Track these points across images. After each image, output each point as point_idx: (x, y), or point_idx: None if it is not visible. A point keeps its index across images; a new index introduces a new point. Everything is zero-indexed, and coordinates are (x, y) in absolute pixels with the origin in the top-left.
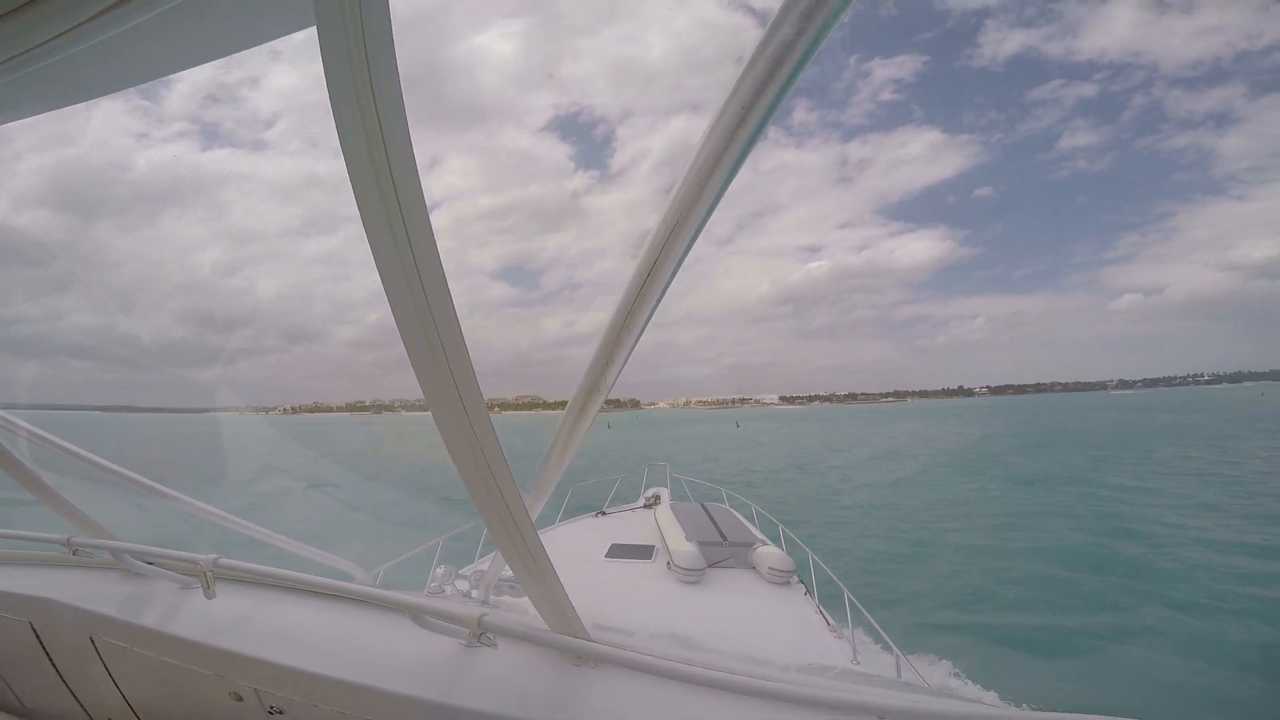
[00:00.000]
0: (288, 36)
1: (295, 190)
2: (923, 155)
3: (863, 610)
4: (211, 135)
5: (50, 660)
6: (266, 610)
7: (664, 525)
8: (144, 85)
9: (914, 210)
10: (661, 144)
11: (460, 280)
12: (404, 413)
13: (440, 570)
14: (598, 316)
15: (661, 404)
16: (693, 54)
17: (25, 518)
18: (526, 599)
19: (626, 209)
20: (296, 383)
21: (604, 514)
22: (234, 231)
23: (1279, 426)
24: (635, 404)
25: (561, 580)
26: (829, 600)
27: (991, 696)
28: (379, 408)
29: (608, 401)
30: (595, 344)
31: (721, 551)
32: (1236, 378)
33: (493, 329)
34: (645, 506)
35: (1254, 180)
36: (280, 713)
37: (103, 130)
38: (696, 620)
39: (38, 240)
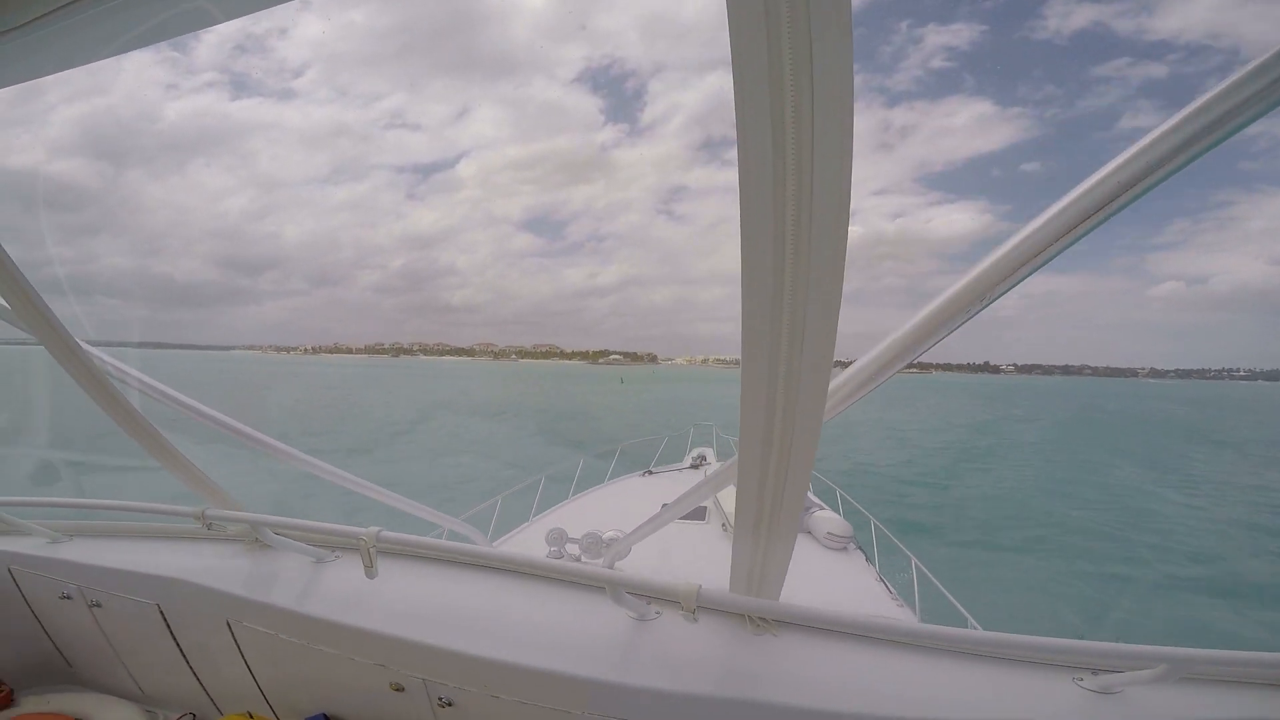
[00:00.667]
0: None
1: (324, 139)
2: (970, 126)
3: (931, 577)
4: (240, 85)
5: (177, 645)
6: (427, 588)
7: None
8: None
9: (955, 181)
10: (694, 99)
11: (486, 229)
12: (422, 356)
13: (553, 532)
14: (620, 269)
15: (680, 360)
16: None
17: (132, 483)
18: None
19: (655, 163)
20: (321, 324)
21: (650, 473)
22: (262, 179)
23: None
24: (653, 358)
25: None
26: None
27: None
28: (398, 350)
29: (623, 354)
30: (618, 296)
31: None
32: (1272, 375)
33: (515, 278)
34: (692, 467)
35: None
36: (450, 704)
37: (133, 81)
38: None
39: (72, 186)
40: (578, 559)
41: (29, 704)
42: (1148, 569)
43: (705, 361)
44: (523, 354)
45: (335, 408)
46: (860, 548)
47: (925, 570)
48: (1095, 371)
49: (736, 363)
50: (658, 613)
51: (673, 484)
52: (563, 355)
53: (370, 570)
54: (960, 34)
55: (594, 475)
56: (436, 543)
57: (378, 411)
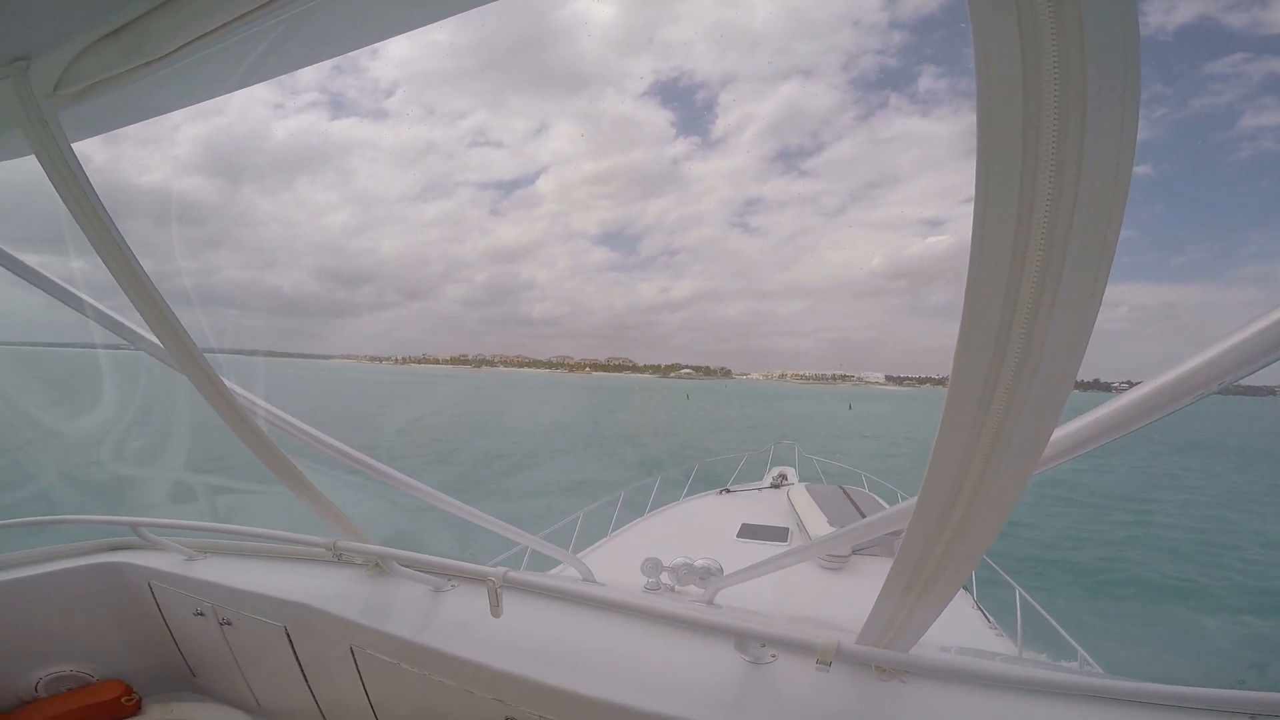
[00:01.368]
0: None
1: (414, 157)
2: None
3: (1038, 607)
4: (338, 105)
5: (299, 664)
6: (542, 623)
7: (800, 507)
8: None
9: None
10: (768, 110)
11: (564, 243)
12: (502, 368)
13: (648, 562)
14: (692, 283)
15: (754, 375)
16: (802, 18)
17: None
18: (719, 590)
19: (727, 176)
20: (413, 336)
21: (728, 491)
22: (360, 196)
23: None
24: (726, 373)
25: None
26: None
27: None
28: (480, 362)
29: (695, 368)
30: (690, 311)
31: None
32: None
33: (591, 292)
34: (772, 486)
35: None
36: None
37: (245, 101)
38: (842, 608)
39: (195, 203)
40: (672, 588)
41: (154, 711)
42: None
43: (782, 376)
44: (596, 367)
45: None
46: None
47: (1031, 600)
48: (1223, 389)
49: (815, 378)
50: (773, 656)
51: (751, 503)
52: (634, 369)
53: (496, 610)
54: None
55: (670, 492)
56: (560, 584)
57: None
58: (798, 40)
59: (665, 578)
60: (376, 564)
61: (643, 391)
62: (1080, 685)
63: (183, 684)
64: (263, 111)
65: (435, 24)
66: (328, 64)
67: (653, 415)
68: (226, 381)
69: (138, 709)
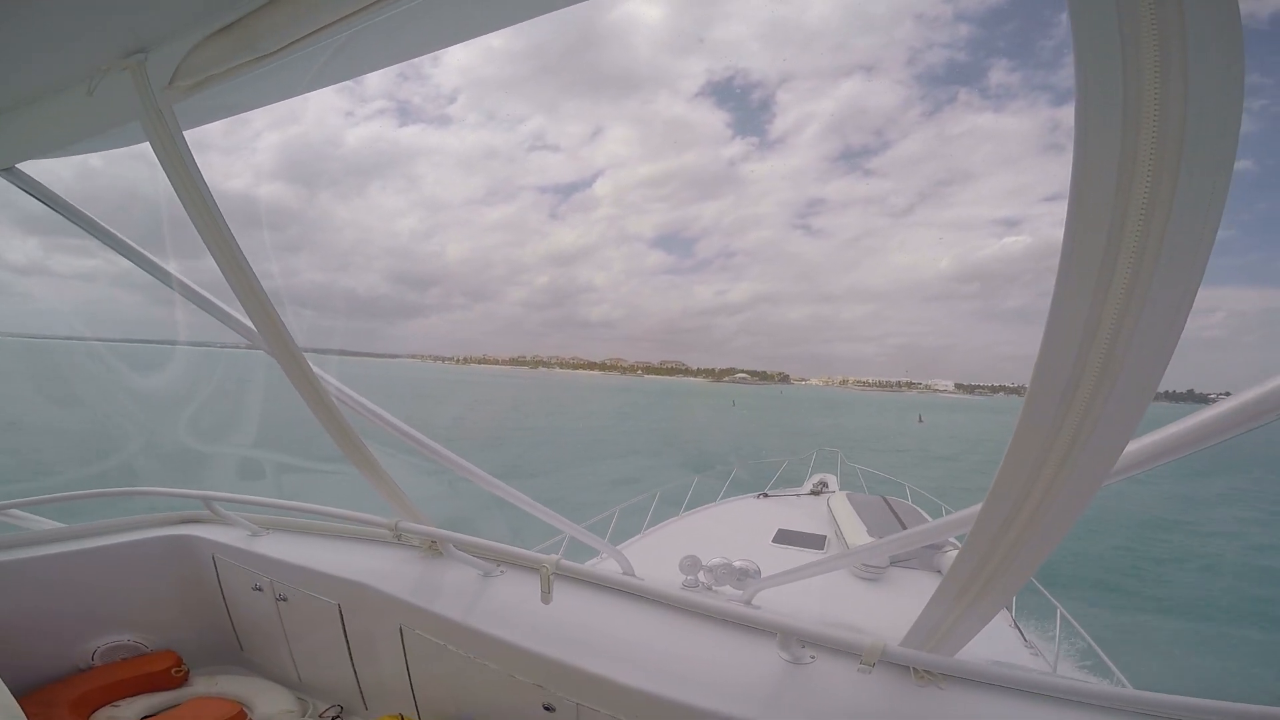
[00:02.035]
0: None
1: (477, 162)
2: None
3: (1074, 623)
4: (405, 112)
5: (346, 641)
6: (586, 612)
7: (840, 515)
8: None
9: None
10: (829, 108)
11: (620, 246)
12: (558, 369)
13: (686, 561)
14: (750, 286)
15: (814, 380)
16: (859, 12)
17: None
18: (757, 591)
19: (787, 176)
20: (476, 336)
21: (766, 495)
22: (428, 201)
23: None
24: (784, 378)
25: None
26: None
27: None
28: (536, 363)
29: (751, 373)
30: (748, 315)
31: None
32: None
33: (647, 294)
34: (812, 493)
35: None
36: None
37: (318, 109)
38: (876, 619)
39: (277, 208)
40: (709, 587)
41: (200, 684)
42: None
43: (844, 382)
44: (648, 370)
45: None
46: None
47: (1069, 617)
48: None
49: (879, 385)
50: (812, 657)
51: (789, 509)
52: (687, 372)
53: (547, 596)
54: None
55: (709, 493)
56: (608, 575)
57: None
58: (856, 35)
59: (703, 576)
60: (432, 545)
61: (687, 396)
62: (1116, 697)
63: (231, 657)
64: (335, 119)
65: (492, 31)
66: (393, 72)
67: (680, 426)
68: (313, 367)
69: (185, 680)
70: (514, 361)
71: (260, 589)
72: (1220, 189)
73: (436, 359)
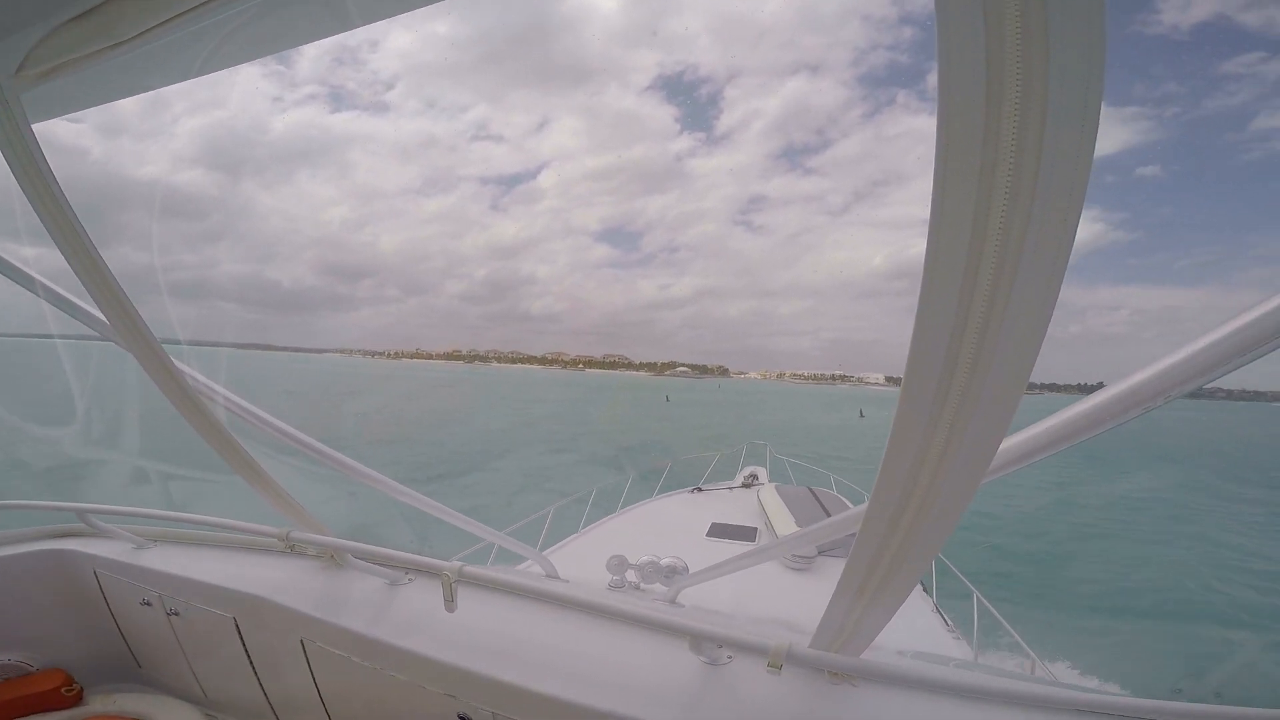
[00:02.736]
0: None
1: (414, 150)
2: None
3: (992, 610)
4: (338, 98)
5: (248, 656)
6: (498, 619)
7: (769, 507)
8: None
9: None
10: (775, 106)
11: (565, 239)
12: (495, 364)
13: (613, 560)
14: (693, 281)
15: (753, 374)
16: (810, 11)
17: (213, 493)
18: (683, 590)
19: (732, 172)
20: (413, 331)
21: (699, 490)
22: (360, 189)
23: None
24: (723, 371)
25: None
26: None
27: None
28: (473, 357)
29: (692, 367)
30: (691, 309)
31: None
32: None
33: (592, 288)
34: (743, 486)
35: None
36: None
37: (245, 94)
38: (805, 609)
39: (195, 196)
40: (637, 586)
41: (96, 702)
42: None
43: (781, 375)
44: (590, 364)
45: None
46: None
47: (986, 603)
48: (1229, 394)
49: (814, 377)
50: (729, 657)
51: (722, 502)
52: (630, 366)
53: (450, 605)
54: None
55: (643, 490)
56: (517, 579)
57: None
58: (805, 33)
59: (630, 575)
60: (331, 556)
61: (622, 390)
62: (1029, 695)
63: (128, 675)
64: (261, 104)
65: (436, 17)
66: (328, 56)
67: (612, 424)
68: (179, 364)
69: (79, 699)
70: (449, 356)
71: (149, 604)
72: (1079, 184)
73: (366, 353)
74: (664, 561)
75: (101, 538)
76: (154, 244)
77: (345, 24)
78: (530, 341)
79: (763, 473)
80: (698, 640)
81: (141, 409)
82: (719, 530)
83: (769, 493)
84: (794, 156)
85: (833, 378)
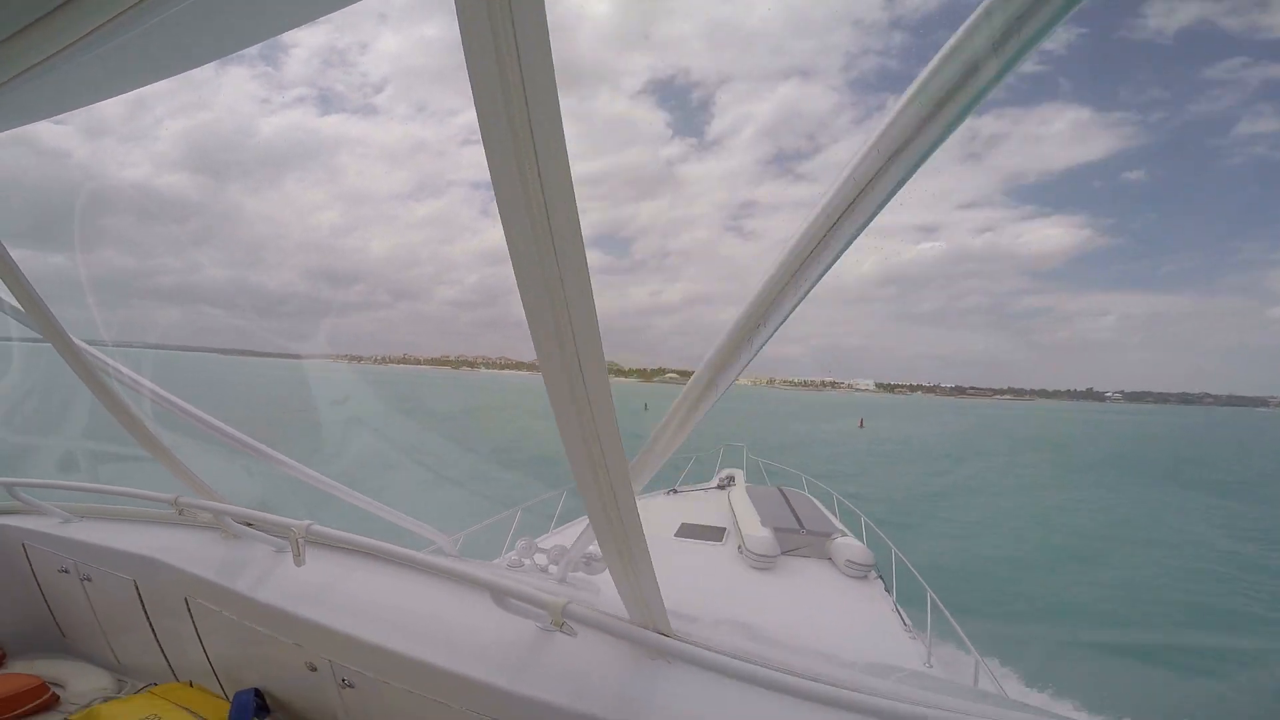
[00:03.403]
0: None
1: (404, 155)
2: (1067, 134)
3: (944, 610)
4: (326, 100)
5: (148, 618)
6: (350, 580)
7: (738, 508)
8: (268, 52)
9: (1050, 193)
10: (766, 110)
11: None
12: (483, 369)
13: (521, 542)
14: (685, 287)
15: (743, 380)
16: (800, 16)
17: (142, 471)
18: (600, 578)
19: (723, 178)
20: (404, 337)
21: (675, 491)
22: (350, 194)
23: None
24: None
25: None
26: (912, 601)
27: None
28: (460, 363)
29: (681, 373)
30: (682, 315)
31: (797, 539)
32: None
33: None
34: (719, 487)
35: None
36: (351, 686)
37: (231, 96)
38: (766, 609)
39: (178, 200)
40: (545, 569)
41: (17, 668)
42: None
43: (771, 382)
44: None
45: None
46: (881, 576)
47: (939, 603)
48: (1216, 400)
49: (804, 384)
50: (567, 628)
51: (696, 503)
52: (620, 372)
53: (299, 559)
54: (1057, 36)
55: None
56: (364, 541)
57: None
58: (795, 39)
59: (538, 558)
60: (223, 526)
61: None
62: (809, 691)
63: (53, 644)
64: (249, 106)
65: (425, 19)
66: (317, 59)
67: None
68: (76, 340)
69: (1, 665)
70: (436, 361)
71: (66, 571)
72: (567, 193)
73: (352, 359)
74: (566, 545)
75: (32, 513)
76: (136, 249)
77: (314, 9)
78: (521, 349)
79: (740, 474)
80: (499, 597)
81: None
82: (687, 530)
83: (739, 493)
84: (784, 162)
85: (822, 384)
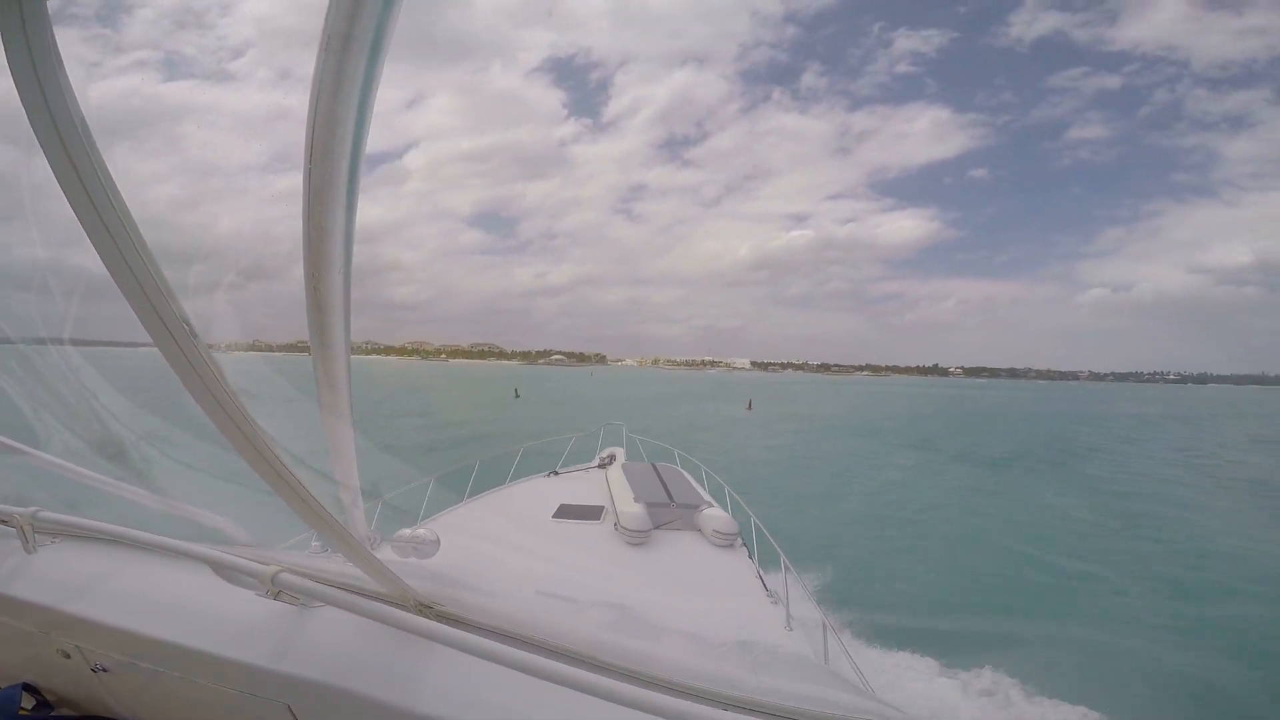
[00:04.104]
0: None
1: (261, 124)
2: (928, 132)
3: (797, 575)
4: (172, 64)
5: None
6: (92, 566)
7: (614, 485)
8: (106, 12)
9: (908, 188)
10: (662, 95)
11: (433, 224)
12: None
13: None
14: (571, 269)
15: (629, 360)
16: (703, 2)
17: None
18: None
19: (616, 160)
20: (257, 320)
21: (556, 474)
22: (193, 165)
23: None
24: (601, 359)
25: (506, 542)
26: (772, 563)
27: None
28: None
29: (568, 354)
30: (568, 296)
31: (668, 513)
32: (1202, 379)
33: (462, 275)
34: (599, 467)
35: (1250, 186)
36: (105, 670)
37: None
38: (639, 583)
39: None
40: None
41: None
42: None
43: (655, 362)
44: (455, 353)
45: None
46: (745, 544)
47: (792, 568)
48: (1040, 374)
49: (686, 363)
50: (320, 604)
51: (576, 484)
52: (501, 355)
53: (29, 546)
54: (931, 40)
55: (497, 478)
56: (99, 525)
57: None
58: (696, 23)
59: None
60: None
61: (467, 384)
62: (579, 682)
63: None
64: (74, 71)
65: None
66: (167, 19)
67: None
68: None
69: None
70: (291, 348)
71: None
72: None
73: None
74: (420, 531)
75: None
76: None
77: None
78: (390, 331)
79: (621, 453)
80: (219, 567)
81: None
82: (566, 511)
83: (615, 471)
84: (674, 146)
85: (704, 363)
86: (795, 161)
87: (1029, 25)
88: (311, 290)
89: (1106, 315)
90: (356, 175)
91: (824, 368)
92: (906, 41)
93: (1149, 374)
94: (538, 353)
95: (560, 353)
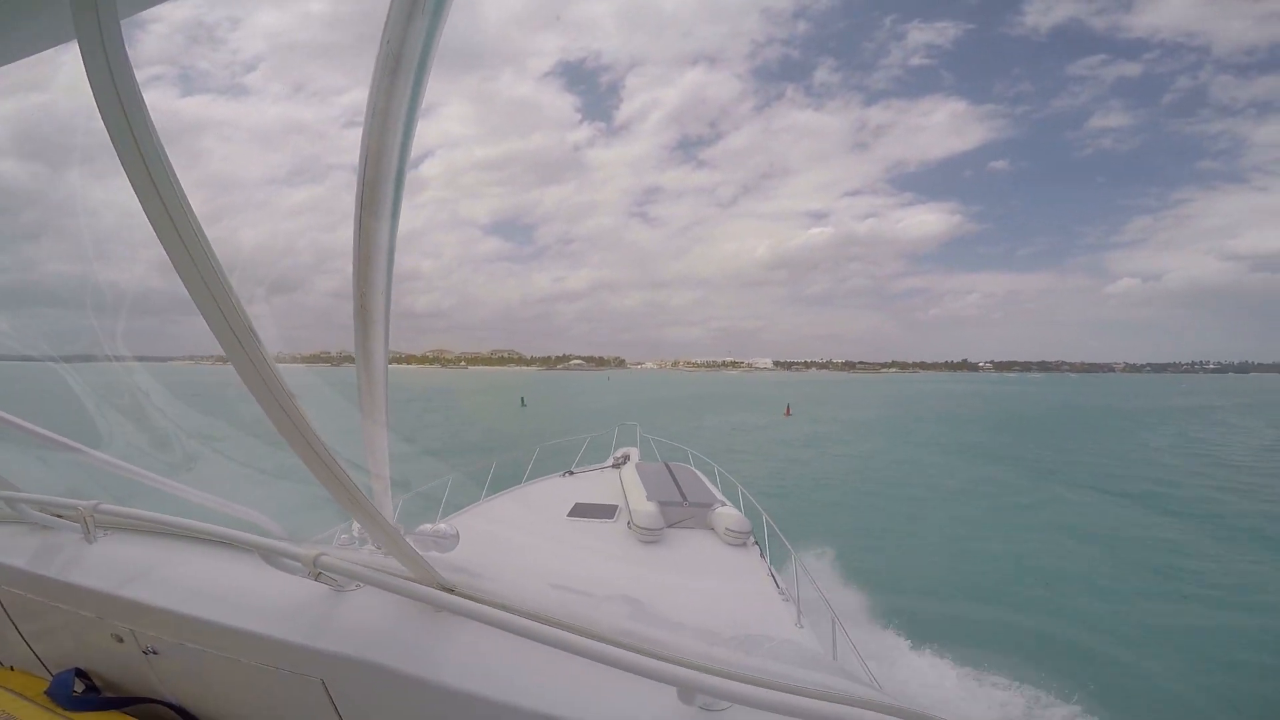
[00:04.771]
0: None
1: (278, 137)
2: (946, 125)
3: (809, 573)
4: (188, 80)
5: None
6: (146, 554)
7: (627, 485)
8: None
9: (928, 182)
10: (674, 96)
11: (451, 232)
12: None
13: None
14: (589, 273)
15: (648, 364)
16: (712, 2)
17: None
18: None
19: (630, 163)
20: (282, 332)
21: (571, 474)
22: (214, 179)
23: None
24: (620, 363)
25: (523, 540)
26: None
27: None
28: (340, 360)
29: (588, 359)
30: (586, 301)
31: (681, 511)
32: (1244, 368)
33: (482, 282)
34: (614, 466)
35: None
36: (155, 653)
37: (72, 76)
38: (651, 581)
39: (7, 189)
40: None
41: None
42: None
43: (675, 364)
44: (475, 360)
45: None
46: (758, 542)
47: (804, 566)
48: (1073, 367)
49: (706, 365)
50: (357, 586)
51: (591, 483)
52: (521, 361)
53: (89, 536)
54: (945, 31)
55: (513, 477)
56: (155, 516)
57: None
58: (707, 23)
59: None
60: (31, 521)
61: (481, 394)
62: (588, 650)
63: None
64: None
65: None
66: (180, 34)
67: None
68: None
69: None
70: (314, 359)
71: None
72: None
73: (218, 360)
74: (441, 527)
75: None
76: None
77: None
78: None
79: (635, 453)
80: (267, 554)
81: None
82: (581, 510)
83: (629, 470)
84: (688, 148)
85: (724, 364)
86: (812, 158)
87: (1044, 14)
88: (359, 308)
89: (1137, 306)
90: (400, 197)
91: (849, 365)
92: (920, 34)
93: (1187, 364)
94: (557, 358)
95: (579, 357)
